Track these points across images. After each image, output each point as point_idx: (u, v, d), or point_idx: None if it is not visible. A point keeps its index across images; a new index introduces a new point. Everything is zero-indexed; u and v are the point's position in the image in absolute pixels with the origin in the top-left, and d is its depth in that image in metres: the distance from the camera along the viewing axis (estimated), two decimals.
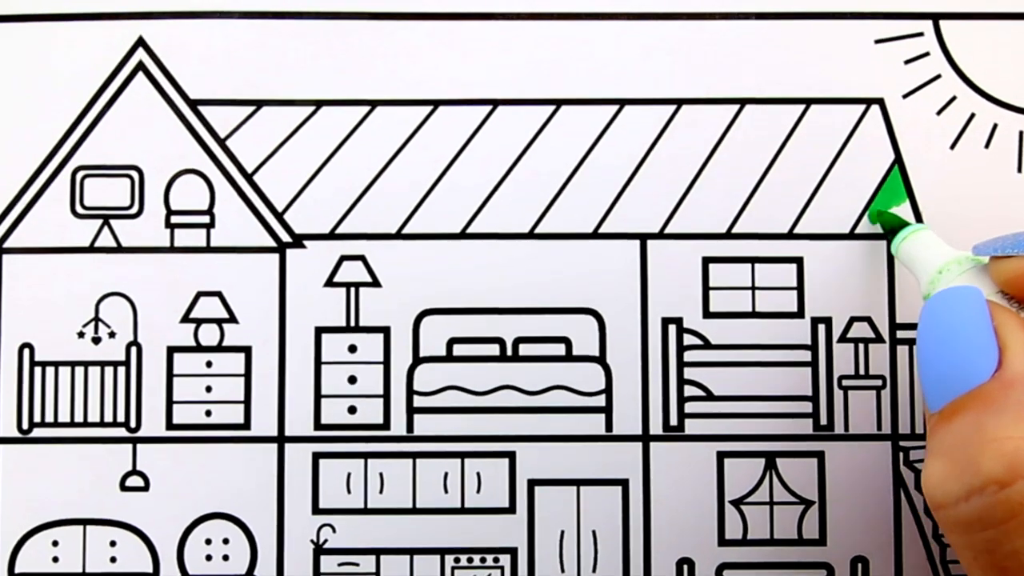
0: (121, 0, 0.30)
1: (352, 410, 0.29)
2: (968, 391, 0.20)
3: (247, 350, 0.29)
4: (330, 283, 0.29)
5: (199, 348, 0.29)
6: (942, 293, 0.21)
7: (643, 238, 0.30)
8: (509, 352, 0.29)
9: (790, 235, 0.30)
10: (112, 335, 0.29)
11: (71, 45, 0.29)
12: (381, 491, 0.29)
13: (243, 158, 0.30)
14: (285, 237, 0.30)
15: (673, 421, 0.29)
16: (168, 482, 0.29)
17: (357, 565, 0.29)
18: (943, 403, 0.20)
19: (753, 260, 0.29)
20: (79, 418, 0.29)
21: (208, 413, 0.29)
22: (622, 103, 0.30)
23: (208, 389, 0.29)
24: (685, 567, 0.29)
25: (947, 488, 0.19)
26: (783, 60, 0.30)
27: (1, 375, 0.29)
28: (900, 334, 0.29)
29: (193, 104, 0.30)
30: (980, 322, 0.20)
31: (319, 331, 0.29)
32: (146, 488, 0.29)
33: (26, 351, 0.29)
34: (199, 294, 0.29)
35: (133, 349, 0.29)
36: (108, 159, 0.30)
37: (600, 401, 0.29)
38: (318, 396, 0.29)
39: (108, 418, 0.29)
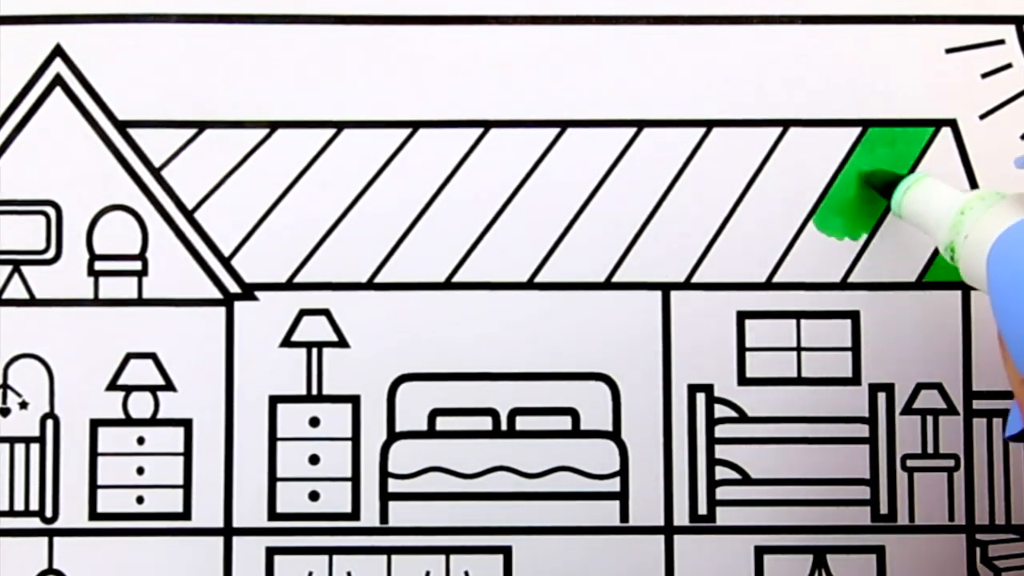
0: (34, 1, 0.27)
1: (314, 496, 0.27)
2: None
3: (187, 423, 0.27)
4: (287, 342, 0.27)
5: (129, 421, 0.27)
6: (1015, 228, 0.20)
7: (665, 288, 0.27)
8: (503, 426, 0.27)
9: (843, 284, 0.27)
10: (24, 405, 0.27)
11: None
12: None
13: (182, 192, 0.27)
14: (233, 287, 0.27)
15: (702, 509, 0.27)
16: None
17: None
18: None
19: (798, 315, 0.27)
20: None
21: (140, 500, 0.27)
22: (640, 125, 0.27)
23: (140, 471, 0.27)
24: None
25: None
26: (835, 73, 0.27)
27: None
28: (977, 404, 0.28)
29: (121, 126, 0.27)
30: None
31: (274, 400, 0.27)
32: None
33: None
34: (129, 356, 0.27)
35: (49, 422, 0.27)
36: (18, 192, 0.27)
37: (614, 485, 0.27)
38: (273, 479, 0.27)
39: (19, 506, 0.27)
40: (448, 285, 0.27)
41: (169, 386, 0.27)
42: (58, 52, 0.27)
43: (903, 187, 0.25)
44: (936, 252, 0.27)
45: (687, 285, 0.27)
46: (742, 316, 0.27)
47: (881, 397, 0.27)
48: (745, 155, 0.27)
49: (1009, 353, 0.19)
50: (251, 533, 0.27)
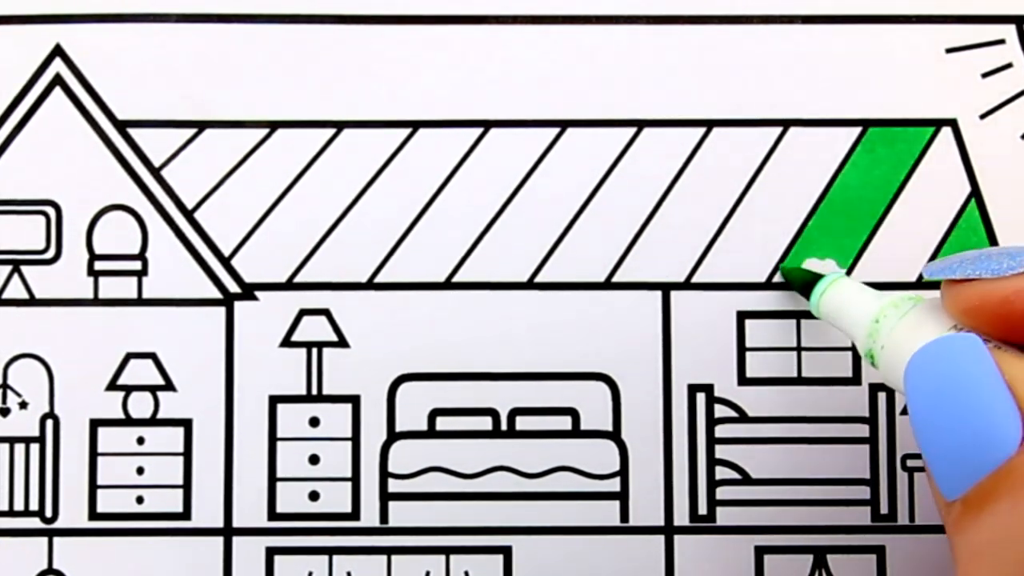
0: (34, 1, 0.27)
1: (314, 496, 0.27)
2: (994, 470, 0.17)
3: (187, 423, 0.27)
4: (287, 342, 0.27)
5: (129, 421, 0.27)
6: (931, 347, 0.19)
7: (666, 288, 0.27)
8: (504, 426, 0.27)
9: None
10: (23, 405, 0.27)
11: None
12: None
13: (182, 191, 0.27)
14: (233, 287, 0.27)
15: (702, 509, 0.27)
16: None
17: None
18: (964, 488, 0.18)
19: (798, 315, 0.27)
20: None
21: (140, 500, 0.27)
22: (640, 124, 0.27)
23: (140, 471, 0.27)
24: None
25: None
26: (835, 73, 0.27)
27: None
28: None
29: (121, 126, 0.27)
30: (989, 378, 0.18)
31: (274, 400, 0.27)
32: None
33: None
34: (129, 356, 0.27)
35: (49, 422, 0.27)
36: (18, 192, 0.27)
37: (614, 485, 0.27)
38: (273, 479, 0.27)
39: (18, 506, 0.27)
40: (448, 285, 0.27)
41: (169, 386, 0.27)
42: (58, 52, 0.27)
43: (819, 288, 0.25)
44: (936, 253, 0.27)
45: (687, 285, 0.27)
46: (742, 316, 0.27)
47: (881, 397, 0.27)
48: (745, 155, 0.27)
49: (933, 481, 0.19)
50: (251, 533, 0.27)
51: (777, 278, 0.27)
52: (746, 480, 0.27)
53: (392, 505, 0.27)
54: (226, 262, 0.27)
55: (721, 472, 0.27)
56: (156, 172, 0.27)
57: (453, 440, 0.27)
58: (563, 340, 0.27)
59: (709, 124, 0.27)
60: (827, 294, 0.24)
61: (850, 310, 0.23)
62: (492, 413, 0.27)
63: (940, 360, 0.19)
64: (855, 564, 0.27)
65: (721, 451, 0.27)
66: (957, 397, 0.18)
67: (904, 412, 0.27)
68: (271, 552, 0.27)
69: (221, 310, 0.27)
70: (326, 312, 0.27)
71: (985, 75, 0.27)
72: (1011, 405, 0.17)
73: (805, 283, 0.25)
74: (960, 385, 0.18)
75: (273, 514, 0.27)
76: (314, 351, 0.27)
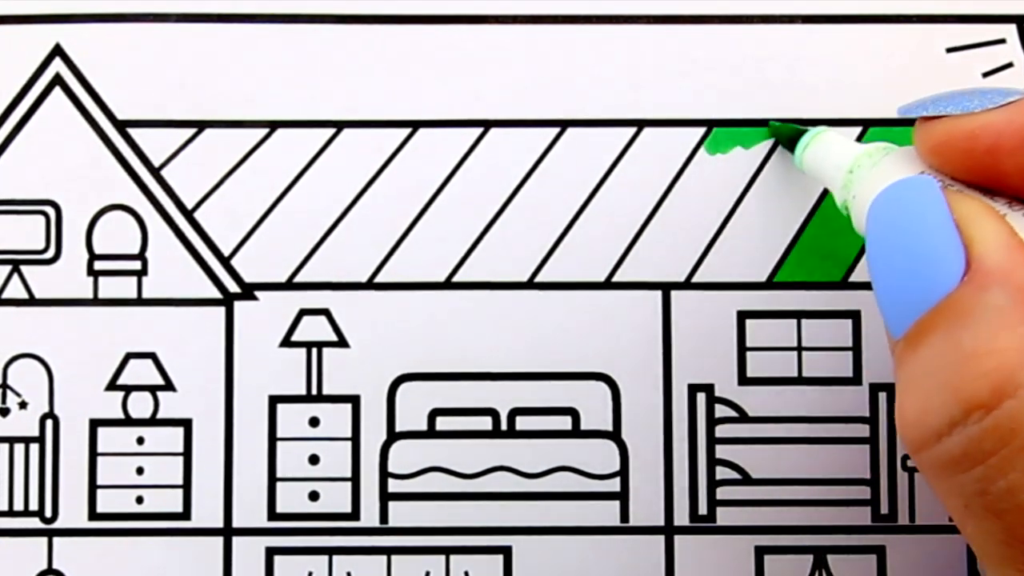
0: (33, 1, 0.27)
1: (314, 496, 0.27)
2: (934, 304, 0.18)
3: (186, 423, 0.27)
4: (287, 342, 0.27)
5: (128, 421, 0.27)
6: (889, 190, 0.19)
7: (666, 288, 0.27)
8: (504, 426, 0.27)
9: (844, 284, 0.27)
10: (23, 405, 0.27)
11: None
12: None
13: (181, 191, 0.27)
14: (232, 287, 0.27)
15: (702, 510, 0.27)
16: None
17: None
18: (907, 325, 0.18)
19: (799, 315, 0.27)
20: None
21: (139, 500, 0.27)
22: (640, 124, 0.27)
23: (139, 471, 0.27)
24: None
25: (925, 424, 0.18)
26: (835, 73, 0.27)
27: None
28: None
29: (121, 126, 0.27)
30: (937, 217, 0.18)
31: (273, 400, 0.27)
32: None
33: None
34: (128, 355, 0.27)
35: (48, 422, 0.27)
36: (18, 192, 0.27)
37: (614, 485, 0.27)
38: (272, 479, 0.27)
39: (18, 506, 0.27)
40: (448, 285, 0.27)
41: (169, 386, 0.27)
42: (57, 52, 0.27)
43: (802, 143, 0.25)
44: None
45: (687, 285, 0.27)
46: (742, 316, 0.27)
47: (882, 397, 0.27)
48: (746, 154, 0.27)
49: (883, 317, 0.19)
50: (251, 533, 0.27)
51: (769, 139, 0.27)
52: (746, 480, 0.27)
53: (392, 505, 0.27)
54: (226, 262, 0.27)
55: (721, 472, 0.27)
56: (156, 172, 0.27)
57: (453, 440, 0.27)
58: (563, 340, 0.27)
59: (709, 124, 0.27)
60: (810, 148, 0.24)
61: (828, 162, 0.23)
62: (492, 413, 0.27)
63: (895, 201, 0.19)
64: (855, 564, 0.27)
65: (721, 451, 0.27)
66: (907, 236, 0.18)
67: None
68: (271, 552, 0.27)
69: (221, 310, 0.27)
70: (326, 312, 0.27)
71: (986, 75, 0.27)
72: (956, 242, 0.18)
73: (791, 138, 0.25)
74: (910, 224, 0.18)
75: (273, 514, 0.27)
76: (314, 351, 0.27)
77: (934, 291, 0.18)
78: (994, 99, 0.19)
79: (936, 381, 0.17)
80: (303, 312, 0.27)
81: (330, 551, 0.27)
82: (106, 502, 0.27)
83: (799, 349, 0.27)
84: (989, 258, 0.17)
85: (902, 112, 0.21)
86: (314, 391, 0.27)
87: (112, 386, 0.27)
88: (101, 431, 0.27)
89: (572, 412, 0.27)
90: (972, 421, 0.17)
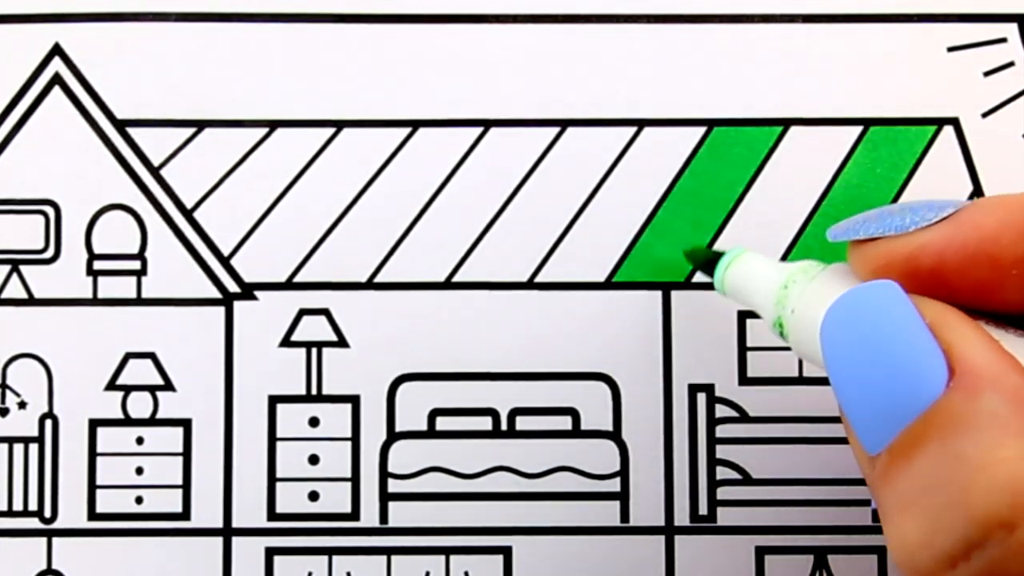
0: (34, 0, 0.27)
1: (313, 496, 0.27)
2: (921, 414, 0.16)
3: (186, 423, 0.27)
4: (287, 342, 0.27)
5: (128, 421, 0.27)
6: (847, 296, 0.18)
7: (666, 288, 0.27)
8: (504, 426, 0.27)
9: None
10: (22, 405, 0.27)
11: None
12: None
13: (181, 191, 0.27)
14: (232, 287, 0.27)
15: (703, 510, 0.27)
16: None
17: None
18: (889, 438, 0.17)
19: None
20: None
21: (139, 500, 0.27)
22: (640, 124, 0.27)
23: (139, 471, 0.27)
24: None
25: (935, 549, 0.16)
26: (835, 73, 0.27)
27: None
28: None
29: (120, 125, 0.27)
30: (909, 321, 0.17)
31: (273, 400, 0.27)
32: None
33: None
34: (128, 355, 0.27)
35: (48, 422, 0.27)
36: (17, 192, 0.27)
37: (614, 485, 0.27)
38: (272, 479, 0.27)
39: (17, 506, 0.27)
40: (448, 285, 0.27)
41: (168, 386, 0.27)
42: (57, 51, 0.27)
43: (723, 264, 0.24)
44: None
45: (688, 284, 0.27)
46: (743, 316, 0.27)
47: None
48: (747, 153, 0.27)
49: (854, 433, 0.18)
50: (251, 533, 0.27)
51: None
52: (747, 480, 0.27)
53: (392, 505, 0.27)
54: (226, 262, 0.27)
55: (722, 472, 0.27)
56: (155, 172, 0.27)
57: (453, 440, 0.27)
58: (563, 340, 0.27)
59: (709, 124, 0.27)
60: (731, 268, 0.24)
61: (756, 281, 0.23)
62: (492, 413, 0.27)
63: (858, 309, 0.18)
64: (856, 564, 0.27)
65: (722, 451, 0.27)
66: (877, 344, 0.17)
67: None
68: (271, 552, 0.27)
69: (221, 310, 0.27)
70: (326, 312, 0.27)
71: (987, 74, 0.27)
72: (934, 347, 0.17)
73: (708, 261, 0.25)
74: (880, 332, 0.17)
75: (273, 514, 0.27)
76: (314, 351, 0.27)
77: (919, 400, 0.16)
78: (926, 215, 0.18)
79: (942, 497, 0.16)
80: (303, 312, 0.27)
81: (330, 551, 0.27)
82: (106, 502, 0.27)
83: None
84: (975, 362, 0.16)
85: (832, 236, 0.20)
86: (314, 391, 0.27)
87: (112, 386, 0.27)
88: (101, 431, 0.27)
89: (572, 412, 0.27)
90: (994, 542, 0.15)
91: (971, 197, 0.27)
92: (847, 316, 0.18)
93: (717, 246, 0.27)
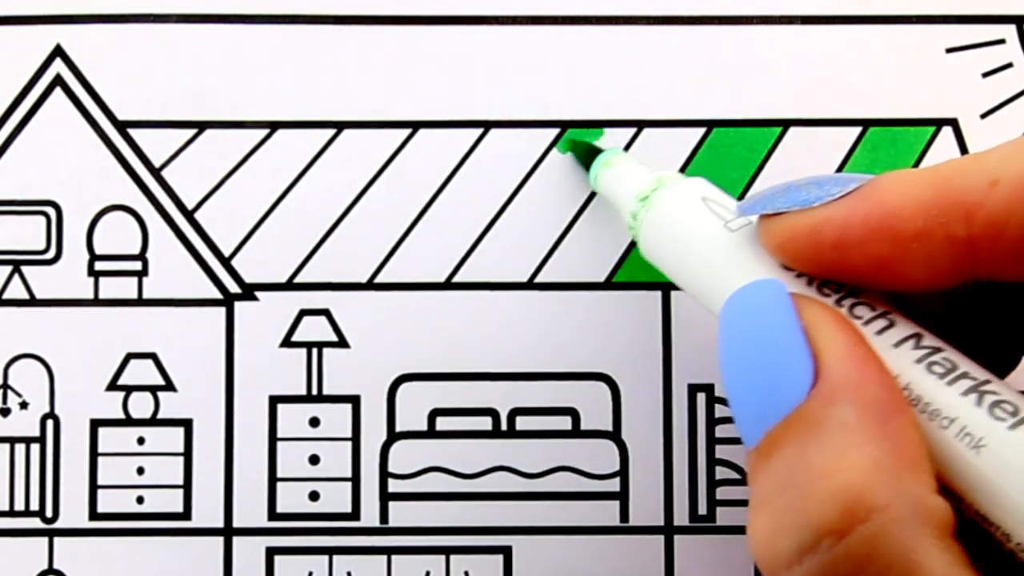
0: (34, 2, 0.27)
1: (314, 496, 0.27)
2: (784, 416, 0.17)
3: (187, 423, 0.27)
4: (287, 343, 0.27)
5: (129, 421, 0.27)
6: (738, 294, 0.18)
7: (665, 288, 0.27)
8: (504, 426, 0.27)
9: None
10: (24, 405, 0.27)
11: None
12: None
13: (182, 192, 0.27)
14: (233, 287, 0.27)
15: (702, 510, 0.27)
16: None
17: None
18: (758, 435, 0.17)
19: None
20: None
21: (140, 500, 0.27)
22: (640, 125, 0.27)
23: (140, 471, 0.27)
24: None
25: (776, 548, 0.16)
26: (835, 73, 0.27)
27: None
28: None
29: (122, 126, 0.27)
30: (785, 324, 0.17)
31: (274, 400, 0.27)
32: None
33: None
34: (129, 356, 0.27)
35: (49, 422, 0.27)
36: (19, 193, 0.27)
37: (614, 485, 0.27)
38: (273, 479, 0.27)
39: (19, 506, 0.27)
40: (448, 285, 0.27)
41: (169, 386, 0.27)
42: (58, 52, 0.27)
43: (597, 163, 0.25)
44: None
45: None
46: None
47: None
48: (745, 154, 0.27)
49: (737, 426, 0.18)
50: (251, 533, 0.26)
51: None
52: (746, 480, 0.27)
53: (392, 505, 0.27)
54: (226, 262, 0.27)
55: (721, 472, 0.27)
56: (156, 172, 0.27)
57: (453, 440, 0.27)
58: (563, 340, 0.27)
59: (709, 124, 0.27)
60: (604, 169, 0.25)
61: (621, 185, 0.24)
62: (492, 413, 0.27)
63: (745, 306, 0.18)
64: None
65: (721, 451, 0.27)
66: (756, 343, 0.18)
67: None
68: (271, 552, 0.26)
69: (221, 310, 0.27)
70: (326, 312, 0.27)
71: (986, 75, 0.27)
72: (804, 351, 0.17)
73: (587, 156, 0.26)
74: (759, 331, 0.18)
75: (273, 514, 0.27)
76: (314, 351, 0.27)
77: (783, 402, 0.17)
78: (831, 190, 0.18)
79: (785, 500, 0.16)
80: (303, 312, 0.27)
81: (330, 551, 0.26)
82: (106, 502, 0.27)
83: None
84: (836, 369, 0.17)
85: (740, 211, 0.20)
86: (314, 391, 0.27)
87: (112, 386, 0.27)
88: (101, 431, 0.27)
89: (572, 412, 0.27)
90: (823, 549, 0.15)
91: None
92: (736, 312, 0.18)
93: None
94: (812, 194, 0.18)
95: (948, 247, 0.17)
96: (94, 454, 0.27)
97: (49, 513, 0.27)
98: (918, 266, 0.18)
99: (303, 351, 0.27)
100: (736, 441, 0.27)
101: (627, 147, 0.27)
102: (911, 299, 0.19)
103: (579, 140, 0.27)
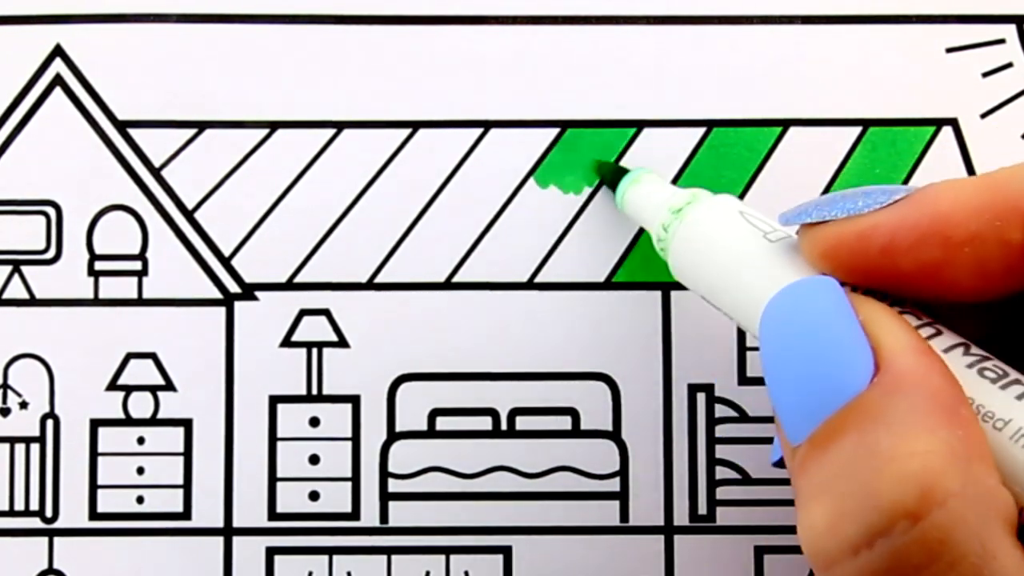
0: (34, 2, 0.27)
1: (314, 496, 0.27)
2: (843, 406, 0.16)
3: (187, 423, 0.27)
4: (287, 343, 0.27)
5: (129, 421, 0.27)
6: (789, 289, 0.18)
7: (665, 288, 0.27)
8: (504, 426, 0.27)
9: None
10: (24, 405, 0.27)
11: None
12: None
13: (182, 192, 0.27)
14: (233, 287, 0.27)
15: (702, 509, 0.27)
16: None
17: None
18: (811, 428, 0.17)
19: None
20: None
21: (140, 500, 0.27)
22: (640, 125, 0.27)
23: (140, 471, 0.27)
24: None
25: (840, 535, 0.15)
26: (835, 73, 0.27)
27: None
28: None
29: (121, 126, 0.27)
30: (843, 317, 0.17)
31: (274, 400, 0.27)
32: None
33: None
34: (129, 356, 0.27)
35: (49, 422, 0.27)
36: (18, 192, 0.27)
37: (614, 485, 0.27)
38: (273, 479, 0.27)
39: (19, 506, 0.27)
40: (448, 285, 0.27)
41: (169, 386, 0.27)
42: (58, 52, 0.27)
43: (624, 182, 0.25)
44: None
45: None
46: None
47: None
48: (745, 154, 0.27)
49: (781, 430, 0.18)
50: (251, 533, 0.26)
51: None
52: (746, 480, 0.27)
53: (392, 505, 0.27)
54: (226, 262, 0.27)
55: (721, 472, 0.27)
56: (156, 172, 0.27)
57: (453, 440, 0.27)
58: (563, 340, 0.27)
59: (709, 124, 0.27)
60: (631, 188, 0.25)
61: (650, 203, 0.24)
62: (492, 413, 0.27)
63: (795, 302, 0.18)
64: None
65: (721, 451, 0.27)
66: (810, 338, 0.17)
67: None
68: (271, 552, 0.26)
69: (221, 310, 0.27)
70: (326, 312, 0.27)
71: (986, 75, 0.27)
72: (863, 343, 0.17)
73: (614, 177, 0.26)
74: (813, 325, 0.17)
75: (273, 514, 0.26)
76: (314, 351, 0.27)
77: (843, 392, 0.16)
78: (879, 198, 0.18)
79: (852, 485, 0.16)
80: (303, 312, 0.27)
81: (330, 551, 0.26)
82: (106, 502, 0.26)
83: None
84: (900, 360, 0.16)
85: (784, 220, 0.20)
86: (314, 391, 0.27)
87: (112, 386, 0.27)
88: (101, 431, 0.27)
89: (572, 412, 0.27)
90: (898, 532, 0.15)
91: None
92: (785, 308, 0.18)
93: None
94: (859, 203, 0.18)
95: (1002, 252, 0.17)
96: (94, 454, 0.27)
97: (49, 513, 0.26)
98: (970, 272, 0.17)
99: (303, 351, 0.27)
100: (737, 441, 0.27)
101: (627, 147, 0.27)
102: (952, 318, 0.18)
103: (604, 162, 0.26)
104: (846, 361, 0.17)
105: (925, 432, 0.15)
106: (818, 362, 0.17)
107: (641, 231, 0.27)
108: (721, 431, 0.27)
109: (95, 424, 0.27)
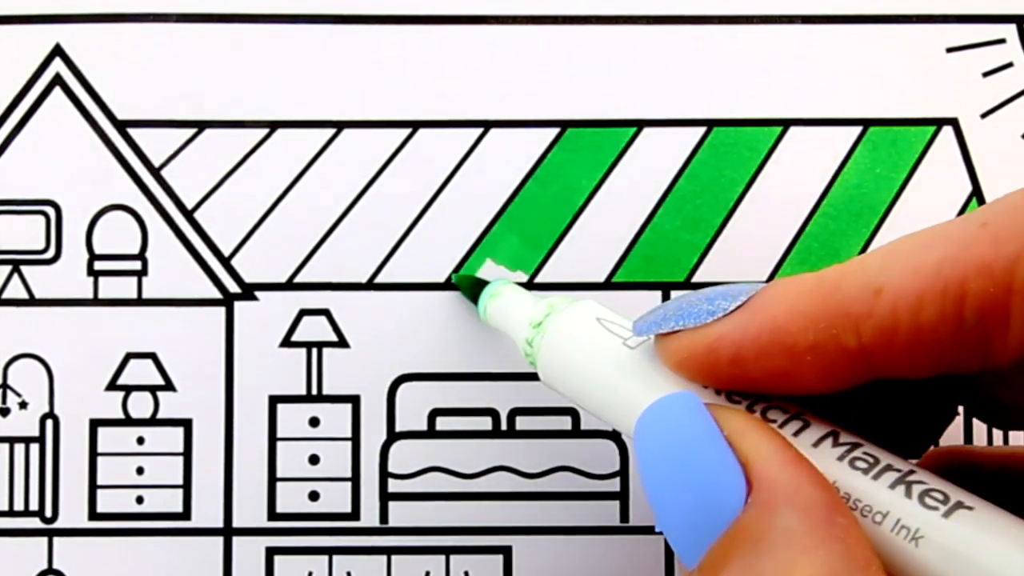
0: (34, 1, 0.27)
1: (314, 496, 0.27)
2: (724, 531, 0.16)
3: (187, 423, 0.27)
4: (287, 342, 0.27)
5: (129, 421, 0.27)
6: (653, 408, 0.18)
7: (666, 288, 0.27)
8: (503, 426, 0.27)
9: None
10: (23, 405, 0.27)
11: None
12: None
13: (181, 191, 0.27)
14: (233, 287, 0.27)
15: None
16: None
17: None
18: (699, 554, 0.17)
19: None
20: None
21: (140, 500, 0.27)
22: (640, 124, 0.27)
23: (140, 471, 0.27)
24: None
25: None
26: (835, 73, 0.27)
27: None
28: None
29: (121, 126, 0.27)
30: (710, 436, 0.17)
31: (274, 400, 0.27)
32: None
33: None
34: (128, 356, 0.27)
35: (49, 422, 0.27)
36: (18, 192, 0.27)
37: (614, 485, 0.26)
38: (273, 479, 0.27)
39: (18, 506, 0.26)
40: (448, 285, 0.27)
41: (169, 386, 0.27)
42: (57, 52, 0.27)
43: (485, 295, 0.25)
44: None
45: (688, 284, 0.27)
46: None
47: None
48: (746, 154, 0.27)
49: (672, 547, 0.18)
50: (251, 533, 0.26)
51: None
52: None
53: (392, 505, 0.26)
54: (226, 262, 0.27)
55: None
56: (156, 172, 0.27)
57: (453, 440, 0.26)
58: None
59: (709, 124, 0.27)
60: (492, 301, 0.24)
61: (511, 318, 0.23)
62: (492, 413, 0.27)
63: (661, 422, 0.18)
64: None
65: None
66: (680, 459, 0.17)
67: None
68: (271, 552, 0.26)
69: (221, 310, 0.27)
70: (326, 312, 0.27)
71: (986, 74, 0.27)
72: (732, 462, 0.17)
73: (474, 289, 0.25)
74: (681, 446, 0.17)
75: (273, 514, 0.26)
76: (314, 351, 0.27)
77: (720, 516, 0.16)
78: (721, 304, 0.18)
79: None
80: (303, 312, 0.27)
81: (330, 551, 0.26)
82: (106, 502, 0.26)
83: None
84: (769, 475, 0.16)
85: (638, 331, 0.20)
86: (314, 391, 0.27)
87: (112, 386, 0.27)
88: (101, 431, 0.27)
89: (572, 412, 0.27)
90: None
91: (970, 197, 0.27)
92: (653, 429, 0.18)
93: (723, 246, 0.27)
94: (703, 312, 0.18)
95: (842, 356, 0.17)
96: (94, 454, 0.26)
97: (49, 513, 0.26)
98: (816, 375, 0.17)
99: (303, 351, 0.27)
100: None
101: (627, 147, 0.27)
102: (818, 397, 0.18)
103: (463, 275, 0.26)
104: (718, 484, 0.16)
105: (803, 554, 0.15)
106: (693, 487, 0.17)
107: (642, 231, 0.27)
108: None
109: (95, 424, 0.27)
